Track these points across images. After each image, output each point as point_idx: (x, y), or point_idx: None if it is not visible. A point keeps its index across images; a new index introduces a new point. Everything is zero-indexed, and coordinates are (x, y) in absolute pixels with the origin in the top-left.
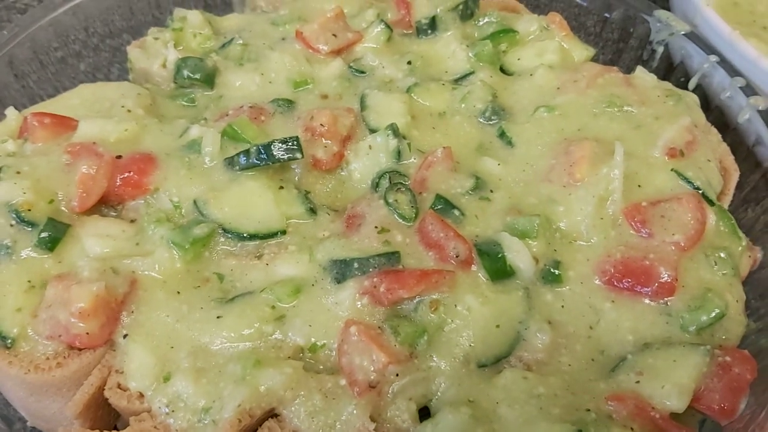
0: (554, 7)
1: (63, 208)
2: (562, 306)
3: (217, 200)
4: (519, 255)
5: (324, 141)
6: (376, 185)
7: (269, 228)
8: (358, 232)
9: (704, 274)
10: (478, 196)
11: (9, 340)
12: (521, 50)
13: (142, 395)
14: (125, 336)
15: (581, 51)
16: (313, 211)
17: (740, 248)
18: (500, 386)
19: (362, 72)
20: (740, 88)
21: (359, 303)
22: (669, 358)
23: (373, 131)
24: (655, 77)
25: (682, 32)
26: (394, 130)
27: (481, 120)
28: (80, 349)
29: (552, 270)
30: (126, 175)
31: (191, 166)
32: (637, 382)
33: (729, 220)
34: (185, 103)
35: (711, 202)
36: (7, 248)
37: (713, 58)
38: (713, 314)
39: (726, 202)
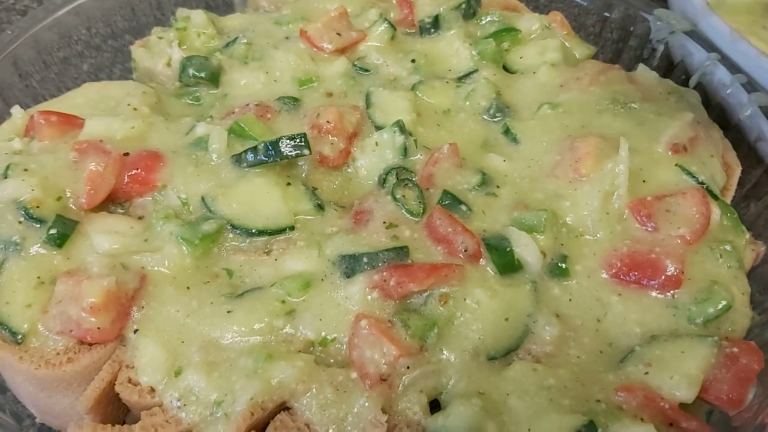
0: (554, 8)
1: (71, 205)
2: (570, 299)
3: (225, 197)
4: (527, 249)
5: (330, 138)
6: (383, 181)
7: (277, 224)
8: (366, 228)
9: (710, 267)
10: (484, 191)
11: (19, 336)
12: (523, 49)
13: (153, 390)
14: (136, 331)
15: (582, 49)
16: (320, 207)
17: (743, 242)
18: (510, 378)
19: (366, 70)
20: (742, 84)
21: (369, 297)
22: (677, 350)
23: (379, 128)
24: (656, 74)
25: (683, 30)
26: (401, 126)
27: (485, 117)
28: (91, 345)
29: (559, 264)
30: (133, 172)
31: (198, 163)
32: (646, 373)
33: (732, 215)
34: (190, 102)
35: (715, 197)
36: (16, 245)
37: (714, 55)
38: (720, 306)
39: (728, 198)
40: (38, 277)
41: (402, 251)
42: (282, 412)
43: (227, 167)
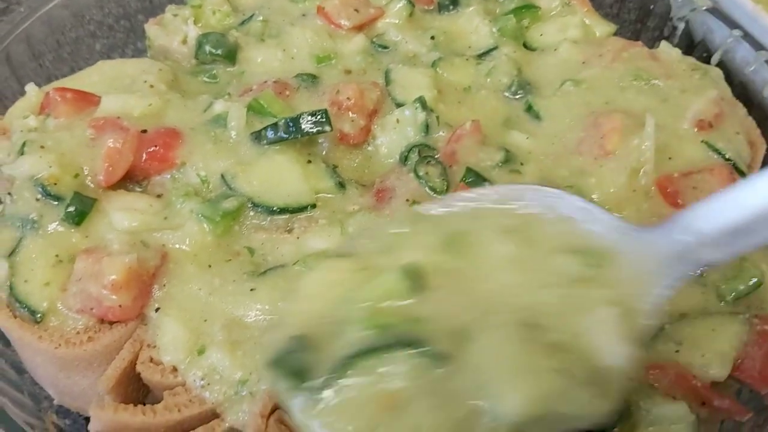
0: None
1: (89, 183)
2: None
3: (245, 174)
4: None
5: (351, 115)
6: (404, 159)
7: (299, 202)
8: (389, 206)
9: None
10: (508, 168)
11: (38, 315)
12: (543, 26)
13: (175, 369)
14: (157, 309)
15: (603, 27)
16: (341, 185)
17: None
18: None
19: (385, 47)
20: (765, 61)
21: None
22: (708, 327)
23: (399, 105)
24: (679, 51)
25: (704, 8)
26: (423, 102)
27: (506, 94)
28: (111, 323)
29: None
30: (152, 149)
31: (217, 140)
32: (677, 351)
33: None
34: (207, 79)
35: (742, 174)
36: (33, 222)
37: (736, 32)
38: (751, 282)
39: None
40: (56, 255)
41: None
42: None
43: (246, 144)
